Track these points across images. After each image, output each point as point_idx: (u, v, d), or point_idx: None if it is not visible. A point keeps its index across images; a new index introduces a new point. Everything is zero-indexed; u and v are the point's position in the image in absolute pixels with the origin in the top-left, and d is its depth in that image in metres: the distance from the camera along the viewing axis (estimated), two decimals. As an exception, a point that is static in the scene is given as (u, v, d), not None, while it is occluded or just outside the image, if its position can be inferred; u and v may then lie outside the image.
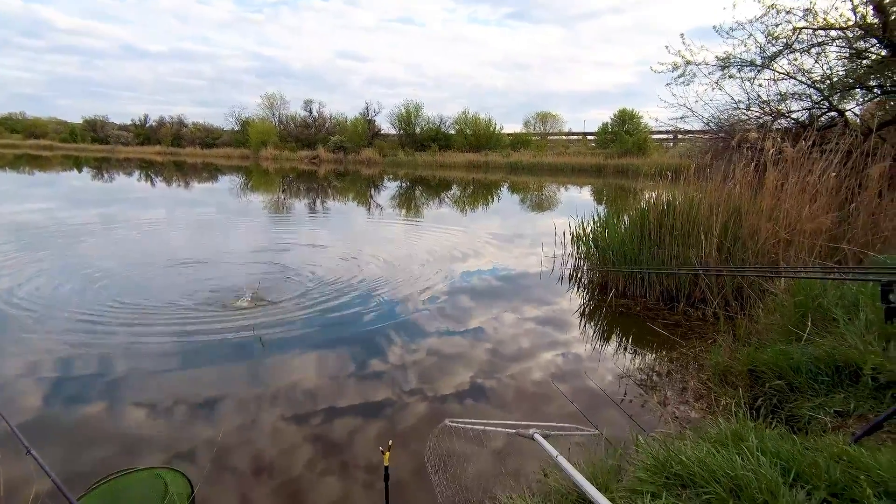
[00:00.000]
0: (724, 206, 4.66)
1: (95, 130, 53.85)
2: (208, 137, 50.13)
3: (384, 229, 9.79)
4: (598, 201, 15.69)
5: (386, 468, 1.69)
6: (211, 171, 27.16)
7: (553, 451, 1.47)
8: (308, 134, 44.79)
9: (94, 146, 50.17)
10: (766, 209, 4.48)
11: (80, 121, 55.73)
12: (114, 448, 2.39)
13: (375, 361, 3.53)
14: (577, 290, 5.57)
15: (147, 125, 55.08)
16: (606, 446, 2.11)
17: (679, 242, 4.75)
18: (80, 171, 24.63)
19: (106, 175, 22.61)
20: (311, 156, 39.44)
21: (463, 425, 1.89)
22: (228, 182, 21.45)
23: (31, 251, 6.39)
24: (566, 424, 1.94)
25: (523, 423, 1.79)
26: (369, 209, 13.40)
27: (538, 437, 1.61)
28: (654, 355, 3.73)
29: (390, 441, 1.74)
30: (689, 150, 13.48)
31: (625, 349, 3.91)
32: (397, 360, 3.57)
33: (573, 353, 3.82)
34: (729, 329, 3.62)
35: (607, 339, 4.17)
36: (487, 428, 1.88)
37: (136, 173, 24.26)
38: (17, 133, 53.76)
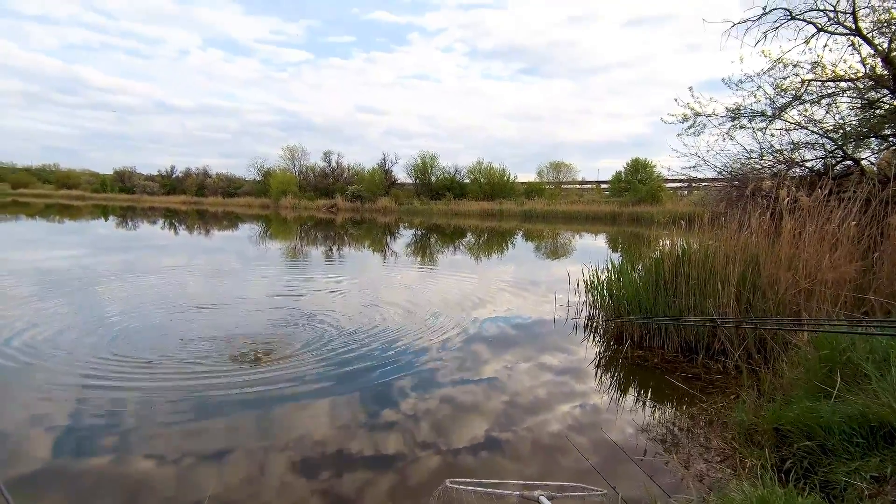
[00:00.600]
0: (740, 254, 4.57)
1: (123, 181, 56.11)
2: (230, 187, 51.76)
3: (399, 276, 9.79)
4: (613, 249, 15.59)
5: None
6: (231, 220, 27.84)
7: None
8: (327, 183, 46.01)
9: (121, 196, 52.13)
10: (785, 258, 4.37)
11: (111, 172, 58.27)
12: (115, 501, 2.31)
13: (388, 412, 3.43)
14: (593, 339, 5.42)
15: (174, 175, 57.22)
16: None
17: (696, 292, 4.64)
18: (106, 219, 25.46)
19: (130, 223, 23.32)
20: (329, 204, 40.32)
21: (465, 487, 1.78)
22: (248, 230, 21.92)
23: (50, 297, 6.50)
24: (575, 484, 1.83)
25: (530, 482, 1.70)
26: (385, 256, 13.49)
27: (544, 500, 1.52)
28: (673, 410, 3.56)
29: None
30: (704, 198, 13.46)
31: (643, 403, 3.74)
32: (410, 411, 3.47)
33: (590, 405, 3.67)
34: (752, 383, 3.46)
35: (625, 392, 4.01)
36: (490, 490, 1.77)
37: (160, 221, 24.98)
38: (49, 184, 56.25)
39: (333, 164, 48.05)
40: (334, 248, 15.16)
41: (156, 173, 58.29)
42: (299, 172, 48.51)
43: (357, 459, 2.83)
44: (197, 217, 29.37)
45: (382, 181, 42.90)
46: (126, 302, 6.46)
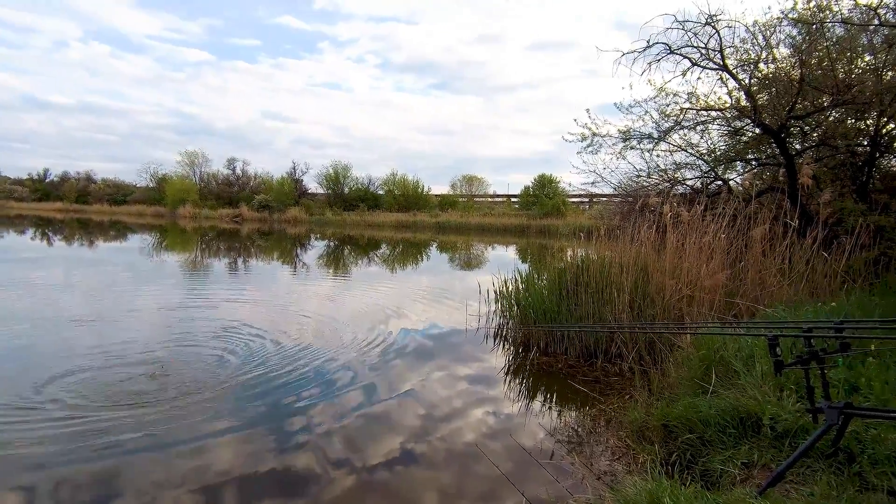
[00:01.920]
0: (632, 264, 4.97)
1: (-18, 184, 48.96)
2: (118, 194, 47.11)
3: (310, 289, 9.45)
4: (523, 260, 16.27)
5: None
6: (120, 230, 25.31)
7: None
8: (231, 192, 43.44)
9: (-21, 201, 45.40)
10: (669, 267, 4.83)
11: (-35, 174, 50.59)
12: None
13: (298, 432, 3.26)
14: (503, 347, 5.59)
15: (47, 180, 50.96)
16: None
17: (595, 299, 4.97)
18: (-41, 228, 22.00)
19: (-8, 233, 20.35)
20: (234, 214, 38.09)
21: None
22: (140, 241, 20.04)
23: None
24: None
25: None
26: (295, 268, 12.98)
27: None
28: (576, 413, 3.75)
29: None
30: (602, 212, 14.53)
31: (549, 407, 3.91)
32: (322, 430, 3.33)
33: (502, 412, 3.77)
34: (644, 384, 3.75)
35: (532, 397, 4.16)
36: None
37: (30, 231, 22.06)
38: None
39: (238, 171, 45.54)
40: (239, 260, 14.31)
41: (25, 177, 51.57)
42: (200, 180, 45.33)
43: (267, 486, 2.66)
44: (77, 226, 26.34)
45: (292, 191, 41.36)
46: (-18, 324, 5.60)
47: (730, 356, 3.15)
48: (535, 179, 38.98)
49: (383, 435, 3.33)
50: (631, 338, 4.56)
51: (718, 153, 7.80)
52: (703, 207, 5.17)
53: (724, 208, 5.23)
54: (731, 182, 7.87)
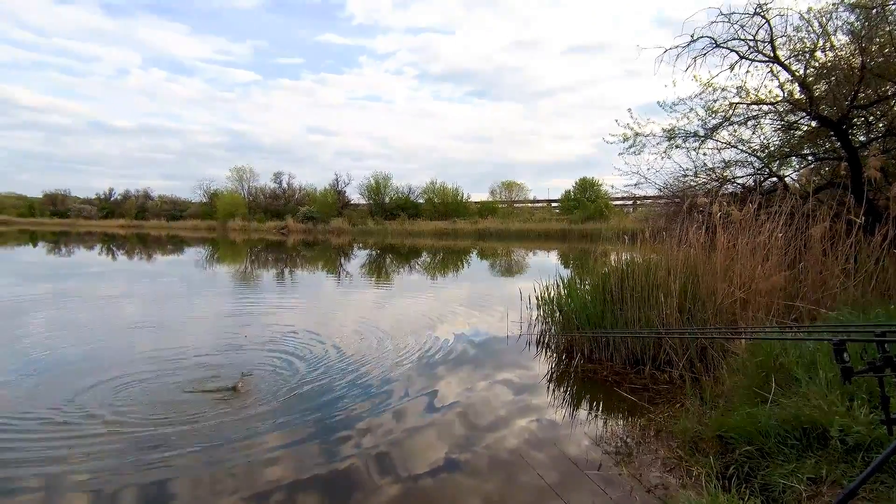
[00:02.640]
0: (680, 267, 4.77)
1: (55, 204, 52.81)
2: (174, 210, 49.73)
3: (354, 298, 9.61)
4: (565, 265, 15.97)
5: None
6: (176, 244, 26.64)
7: None
8: (277, 205, 45.02)
9: (53, 220, 48.96)
10: (721, 269, 4.59)
11: (41, 195, 54.70)
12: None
13: (344, 441, 3.27)
14: (546, 354, 5.48)
15: (112, 199, 54.39)
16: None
17: (641, 304, 4.79)
18: (34, 245, 23.76)
19: (63, 249, 21.88)
20: (280, 226, 39.39)
21: None
22: (194, 254, 21.01)
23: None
24: None
25: None
26: (339, 278, 13.24)
27: None
28: (624, 422, 3.61)
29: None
30: (647, 214, 14.09)
31: (595, 416, 3.78)
32: (367, 439, 3.33)
33: (546, 420, 3.67)
34: (695, 392, 3.57)
35: (577, 406, 4.04)
36: None
37: (97, 247, 23.55)
38: (-30, 210, 52.07)
39: (284, 185, 47.20)
40: (286, 271, 14.74)
41: (93, 196, 55.27)
42: (248, 194, 47.23)
43: (314, 493, 2.69)
44: (137, 241, 27.92)
45: (335, 202, 42.42)
46: (59, 339, 5.99)
47: (790, 363, 2.95)
48: (576, 183, 38.36)
49: (428, 444, 3.30)
50: (681, 344, 4.36)
51: (772, 149, 7.41)
52: (756, 206, 4.90)
53: (780, 206, 4.94)
54: (786, 179, 7.46)
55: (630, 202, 37.53)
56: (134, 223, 46.83)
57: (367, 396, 4.10)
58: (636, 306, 4.79)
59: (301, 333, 6.16)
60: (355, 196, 44.56)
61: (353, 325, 6.77)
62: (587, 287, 5.47)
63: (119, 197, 54.02)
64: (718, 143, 7.35)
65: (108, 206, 52.86)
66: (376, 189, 42.95)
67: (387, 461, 3.05)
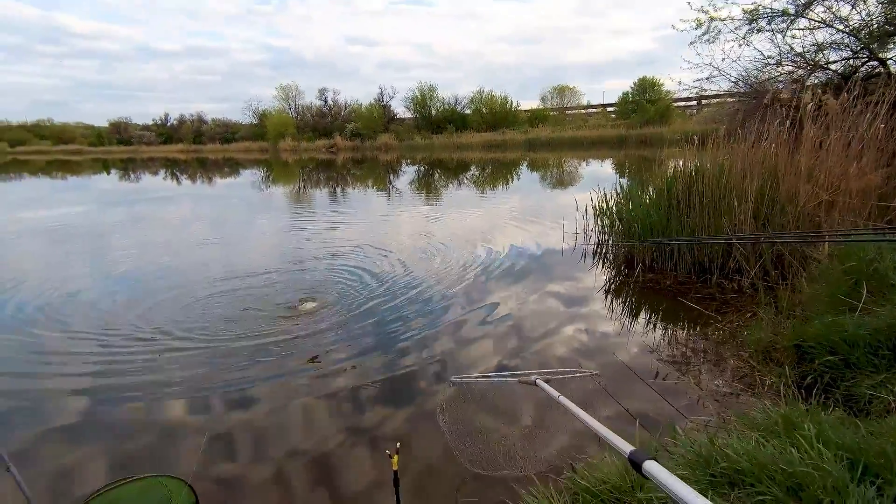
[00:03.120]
0: (758, 168, 4.33)
1: (120, 132, 55.11)
2: (227, 132, 50.73)
3: (405, 214, 9.65)
4: (621, 174, 15.19)
5: (395, 472, 1.55)
6: (232, 166, 27.44)
7: (555, 394, 1.41)
8: (324, 123, 44.86)
9: (119, 148, 51.37)
10: (805, 169, 4.13)
11: (106, 124, 57.11)
12: (141, 448, 2.33)
13: (401, 354, 3.38)
14: (602, 266, 5.33)
15: (168, 124, 56.03)
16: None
17: (710, 211, 4.45)
18: (108, 173, 25.18)
19: (132, 175, 23.06)
20: (329, 145, 39.51)
21: (467, 380, 1.91)
22: (250, 175, 21.61)
23: (63, 255, 6.48)
24: (567, 369, 1.91)
25: (525, 371, 1.75)
26: (389, 195, 13.27)
27: (540, 382, 1.57)
28: (687, 332, 3.49)
29: (398, 444, 1.60)
30: (716, 113, 12.86)
31: (655, 326, 3.68)
32: (420, 347, 3.45)
33: (601, 331, 3.61)
34: (769, 301, 3.35)
35: (636, 316, 3.94)
36: (492, 379, 1.88)
37: (161, 172, 24.66)
38: (45, 139, 55.34)
39: (330, 101, 46.63)
40: (338, 190, 14.92)
41: (151, 122, 57.12)
42: (296, 113, 47.19)
43: (375, 398, 2.84)
44: (198, 166, 28.96)
45: (381, 117, 41.70)
46: (130, 261, 6.43)
47: (886, 268, 2.67)
48: (634, 84, 35.49)
49: (479, 352, 3.37)
50: (754, 251, 4.06)
51: (874, 27, 6.35)
52: (854, 94, 4.26)
53: (882, 94, 4.28)
54: (889, 62, 6.45)
55: (694, 103, 34.56)
56: (192, 147, 48.36)
57: (422, 310, 4.17)
58: (705, 213, 4.46)
59: (355, 252, 6.28)
60: (400, 110, 43.58)
61: (406, 241, 6.82)
62: (650, 194, 5.13)
63: (175, 122, 55.50)
64: (811, 21, 6.37)
65: (165, 132, 54.60)
66: (421, 101, 41.64)
67: (442, 369, 3.14)
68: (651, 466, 0.72)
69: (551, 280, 4.88)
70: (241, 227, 8.55)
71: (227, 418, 2.58)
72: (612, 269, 5.20)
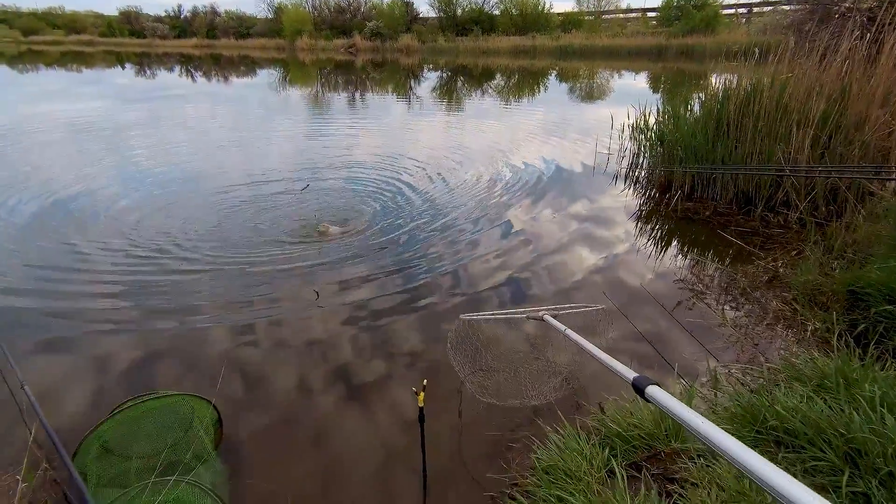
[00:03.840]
0: (824, 90, 3.88)
1: (130, 22, 52.77)
2: (241, 27, 48.18)
3: (425, 124, 9.23)
4: (655, 89, 14.17)
5: (421, 409, 1.49)
6: (248, 65, 26.31)
7: (561, 327, 1.39)
8: (343, 20, 42.11)
9: (133, 41, 49.42)
10: (882, 92, 3.68)
11: (116, 13, 54.56)
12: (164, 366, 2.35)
13: (417, 266, 3.33)
14: (634, 190, 5.05)
15: (182, 16, 53.29)
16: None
17: (763, 136, 4.07)
18: (123, 67, 24.40)
19: (148, 71, 22.31)
20: (348, 44, 37.39)
21: (476, 317, 1.97)
22: (266, 76, 20.74)
23: (85, 154, 6.37)
24: (576, 304, 1.94)
25: (532, 308, 1.79)
26: (409, 102, 12.66)
27: (547, 317, 1.57)
28: (723, 267, 3.31)
29: (424, 381, 1.53)
30: (773, 23, 11.58)
31: (688, 258, 3.51)
32: (435, 260, 3.40)
33: (627, 260, 3.47)
34: (819, 239, 3.13)
35: (667, 247, 3.76)
36: (499, 317, 1.95)
37: (177, 69, 23.79)
38: (58, 28, 53.35)
39: (349, -4, 43.35)
40: (357, 95, 14.27)
41: (163, 13, 54.38)
42: (313, 8, 44.21)
43: (385, 305, 2.81)
44: (212, 62, 27.84)
45: (403, 16, 38.95)
46: (161, 163, 6.29)
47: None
48: (683, -15, 32.07)
49: (492, 269, 3.31)
50: (806, 184, 3.75)
51: None
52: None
53: None
54: None
55: (745, 13, 31.41)
56: (206, 42, 46.21)
57: (436, 223, 4.06)
58: (757, 138, 4.08)
59: (372, 162, 6.04)
60: (424, 8, 40.66)
61: (425, 153, 6.53)
62: (696, 115, 4.70)
63: (188, 14, 52.71)
64: None
65: (179, 25, 52.07)
66: (447, -1, 38.52)
67: (451, 281, 3.13)
68: (654, 391, 0.73)
69: (576, 201, 4.67)
70: (259, 130, 8.26)
71: (245, 341, 2.55)
72: (645, 194, 4.93)
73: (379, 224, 4.06)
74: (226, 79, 19.41)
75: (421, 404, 1.48)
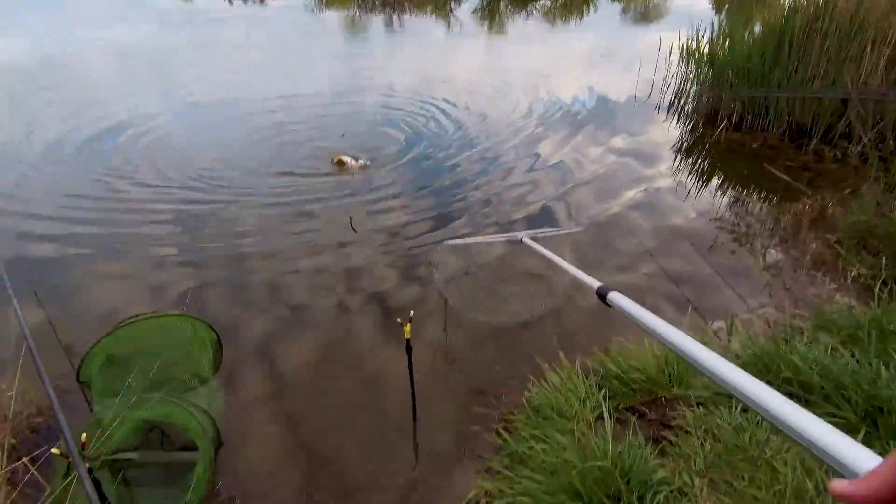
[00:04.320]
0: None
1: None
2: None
3: (465, 49, 8.73)
4: (718, 9, 12.77)
5: (408, 341, 1.44)
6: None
7: (539, 248, 1.41)
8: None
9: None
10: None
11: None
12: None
13: (449, 193, 3.29)
14: (678, 120, 4.66)
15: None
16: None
17: (830, 56, 3.58)
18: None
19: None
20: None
21: (459, 242, 2.04)
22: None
23: (129, 80, 6.38)
24: (553, 228, 2.06)
25: (511, 232, 1.87)
26: (449, 25, 11.95)
27: (526, 239, 1.60)
28: (766, 204, 3.04)
29: (411, 312, 1.47)
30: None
31: (728, 196, 3.24)
32: (473, 193, 3.31)
33: (662, 197, 3.25)
34: (881, 175, 2.79)
35: (707, 181, 3.48)
36: (480, 240, 2.03)
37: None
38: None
39: None
40: (395, 17, 13.56)
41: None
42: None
43: (424, 228, 2.81)
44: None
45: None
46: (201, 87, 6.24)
47: None
48: None
49: (526, 198, 3.21)
50: (875, 111, 3.31)
51: None
52: None
53: None
54: None
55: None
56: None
57: (471, 152, 3.92)
58: (823, 59, 3.59)
59: (409, 87, 5.77)
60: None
61: (464, 78, 6.19)
62: (755, 33, 4.18)
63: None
64: None
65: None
66: None
67: (486, 209, 3.08)
68: (615, 297, 0.76)
69: (616, 131, 4.37)
70: (298, 55, 8.00)
71: (251, 268, 2.55)
72: (690, 124, 4.55)
73: (413, 150, 3.95)
74: (262, 1, 18.80)
75: (407, 336, 1.43)
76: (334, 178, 3.47)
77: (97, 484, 1.05)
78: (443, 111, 4.89)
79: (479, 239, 2.03)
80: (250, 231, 2.86)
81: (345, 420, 1.69)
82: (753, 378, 0.42)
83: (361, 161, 3.68)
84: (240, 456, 1.59)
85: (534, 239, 1.59)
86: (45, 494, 1.18)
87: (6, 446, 1.30)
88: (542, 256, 1.30)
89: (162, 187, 3.35)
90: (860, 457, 0.31)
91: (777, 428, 0.38)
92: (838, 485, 0.29)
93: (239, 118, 4.73)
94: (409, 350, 1.46)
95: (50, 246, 2.71)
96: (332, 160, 3.64)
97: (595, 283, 0.85)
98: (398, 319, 1.44)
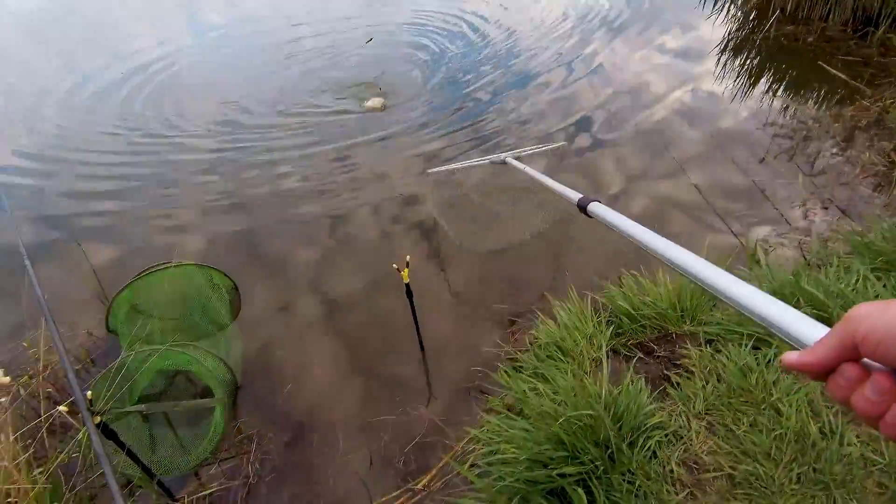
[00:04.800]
0: None
1: None
2: None
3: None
4: None
5: (407, 285, 1.43)
6: None
7: (521, 166, 1.44)
8: None
9: None
10: None
11: None
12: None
13: (486, 97, 3.32)
14: (727, 13, 4.17)
15: None
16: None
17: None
18: None
19: None
20: None
21: (443, 169, 2.07)
22: None
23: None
24: (535, 146, 2.02)
25: (496, 154, 1.86)
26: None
27: (510, 159, 1.61)
28: (817, 107, 2.72)
29: (407, 257, 1.43)
30: None
31: (777, 95, 2.94)
32: (509, 101, 3.27)
33: (703, 99, 3.03)
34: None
35: (756, 81, 3.17)
36: (463, 164, 2.03)
37: None
38: None
39: None
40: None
41: None
42: None
43: (460, 150, 2.79)
44: None
45: None
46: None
47: None
48: None
49: (565, 108, 3.12)
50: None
51: None
52: None
53: None
54: None
55: None
56: None
57: (510, 64, 3.78)
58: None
59: (440, 6, 5.31)
60: None
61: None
62: None
63: None
64: None
65: None
66: None
67: (525, 118, 3.05)
68: (595, 207, 0.76)
69: (658, 30, 4.04)
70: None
71: (267, 215, 2.54)
72: (739, 18, 4.06)
73: (446, 68, 3.83)
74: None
75: (406, 280, 1.41)
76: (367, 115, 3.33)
77: (112, 434, 1.13)
78: (482, 24, 4.60)
79: (463, 164, 2.02)
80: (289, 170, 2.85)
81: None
82: (719, 269, 0.43)
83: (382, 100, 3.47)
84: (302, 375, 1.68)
85: (517, 158, 1.60)
86: (64, 448, 1.29)
87: (41, 395, 1.41)
88: (526, 175, 1.29)
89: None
90: (811, 330, 0.32)
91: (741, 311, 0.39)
92: (788, 357, 0.30)
93: (266, 50, 4.54)
94: (409, 294, 1.45)
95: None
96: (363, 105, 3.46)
97: (575, 196, 0.85)
98: (394, 266, 1.41)
